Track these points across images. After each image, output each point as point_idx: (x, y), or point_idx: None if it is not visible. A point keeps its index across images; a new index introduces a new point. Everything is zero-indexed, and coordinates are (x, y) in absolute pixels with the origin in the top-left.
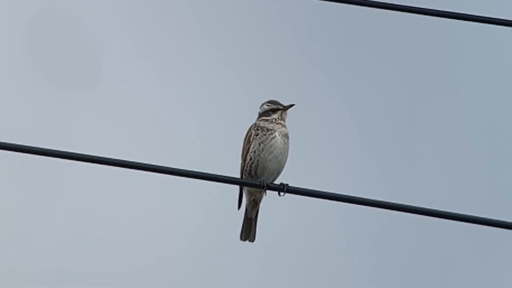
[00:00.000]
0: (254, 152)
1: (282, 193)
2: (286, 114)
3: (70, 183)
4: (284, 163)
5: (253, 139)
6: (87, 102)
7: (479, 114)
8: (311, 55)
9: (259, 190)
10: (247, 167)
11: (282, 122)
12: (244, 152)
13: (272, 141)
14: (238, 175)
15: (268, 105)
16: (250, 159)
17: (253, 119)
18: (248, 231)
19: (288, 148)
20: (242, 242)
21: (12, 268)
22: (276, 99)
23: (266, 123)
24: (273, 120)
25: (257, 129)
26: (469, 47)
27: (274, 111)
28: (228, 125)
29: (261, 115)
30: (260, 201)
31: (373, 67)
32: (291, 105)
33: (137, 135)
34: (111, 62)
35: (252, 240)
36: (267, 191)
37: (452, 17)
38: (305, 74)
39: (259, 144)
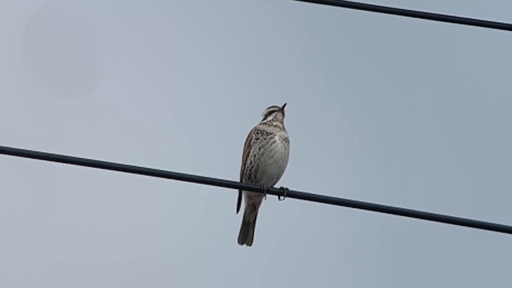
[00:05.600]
0: (254, 156)
1: (282, 197)
2: (282, 116)
3: (70, 187)
4: (284, 168)
5: (253, 143)
6: (85, 105)
7: (475, 117)
8: (312, 59)
9: (258, 194)
10: (247, 171)
11: (279, 125)
12: (244, 156)
13: (273, 145)
14: (237, 179)
15: (266, 110)
16: (250, 163)
17: (253, 122)
18: (245, 235)
19: (288, 153)
20: (240, 246)
21: (11, 269)
22: (274, 104)
23: (265, 126)
24: (269, 123)
25: (257, 133)
26: (464, 50)
27: (270, 113)
28: (228, 128)
29: (262, 120)
30: (259, 205)
31: (373, 72)
32: (284, 105)
33: (137, 139)
34: (111, 65)
35: (249, 244)
36: (267, 195)
37: (448, 20)
38: (306, 79)
39: (259, 148)
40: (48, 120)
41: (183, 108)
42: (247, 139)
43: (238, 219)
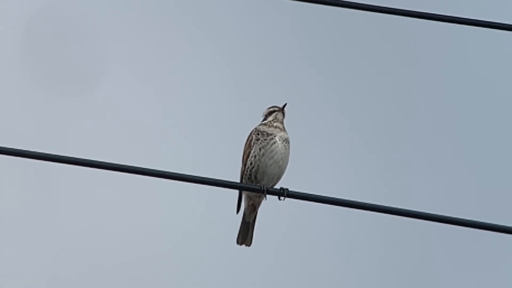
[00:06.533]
0: (255, 156)
1: (282, 198)
2: (282, 116)
3: (70, 188)
4: (285, 168)
5: (254, 143)
6: (85, 105)
7: (475, 117)
8: (312, 60)
9: (258, 194)
10: (247, 171)
11: (279, 125)
12: (245, 157)
13: (273, 146)
14: (238, 179)
15: (267, 110)
16: (251, 163)
17: (253, 123)
18: (245, 235)
19: (288, 153)
20: (239, 246)
21: (11, 269)
22: (274, 104)
23: (265, 127)
24: (270, 124)
25: (258, 134)
26: (464, 50)
27: (270, 113)
28: (228, 129)
29: (262, 120)
30: (258, 206)
31: (373, 72)
32: (285, 105)
33: (137, 139)
34: (111, 65)
35: (248, 244)
36: (267, 196)
37: (448, 21)
38: (306, 80)
39: (260, 149)
40: (48, 120)
41: (183, 109)
42: (247, 139)
43: (238, 219)
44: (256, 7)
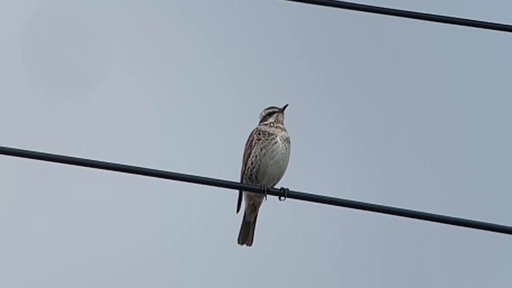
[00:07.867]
0: (256, 156)
1: (282, 198)
2: (282, 117)
3: (71, 188)
4: (285, 169)
5: (255, 143)
6: (85, 105)
7: (475, 117)
8: (312, 60)
9: (258, 194)
10: (247, 171)
11: (280, 125)
12: (245, 157)
13: (274, 146)
14: (238, 179)
15: (264, 111)
16: (252, 163)
17: (253, 123)
18: (246, 235)
19: (289, 153)
20: (240, 246)
21: (11, 269)
22: (273, 105)
23: (266, 127)
24: (271, 124)
25: (259, 134)
26: (463, 51)
27: (270, 114)
28: (228, 129)
29: (260, 121)
30: (259, 206)
31: (372, 72)
32: (285, 106)
33: (137, 139)
34: (110, 65)
35: (249, 244)
36: (267, 196)
37: (447, 22)
38: (306, 80)
39: (261, 149)
40: (47, 120)
41: (183, 109)
42: (248, 139)
43: (238, 219)
44: (255, 8)
